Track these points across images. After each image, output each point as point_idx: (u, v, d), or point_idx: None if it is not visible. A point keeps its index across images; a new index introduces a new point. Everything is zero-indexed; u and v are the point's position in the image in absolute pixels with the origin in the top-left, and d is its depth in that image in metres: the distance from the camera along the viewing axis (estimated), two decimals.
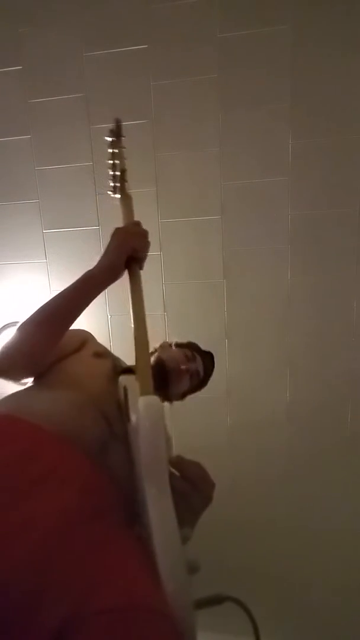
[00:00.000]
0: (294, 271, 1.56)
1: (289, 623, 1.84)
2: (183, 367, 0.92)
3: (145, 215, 1.52)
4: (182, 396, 1.01)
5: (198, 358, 1.02)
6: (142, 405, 0.50)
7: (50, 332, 0.70)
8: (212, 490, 0.55)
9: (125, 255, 0.75)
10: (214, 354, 1.12)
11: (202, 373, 1.03)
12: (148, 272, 1.44)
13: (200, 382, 1.04)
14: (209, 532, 1.62)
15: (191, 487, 0.51)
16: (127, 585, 0.41)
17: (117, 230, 0.78)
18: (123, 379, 0.60)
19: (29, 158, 1.61)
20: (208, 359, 1.08)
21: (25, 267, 1.71)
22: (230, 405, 1.70)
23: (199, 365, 1.00)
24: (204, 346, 1.11)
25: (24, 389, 0.70)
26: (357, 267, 1.52)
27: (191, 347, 1.06)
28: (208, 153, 1.52)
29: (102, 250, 0.76)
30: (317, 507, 1.72)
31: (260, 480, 1.73)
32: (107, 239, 0.77)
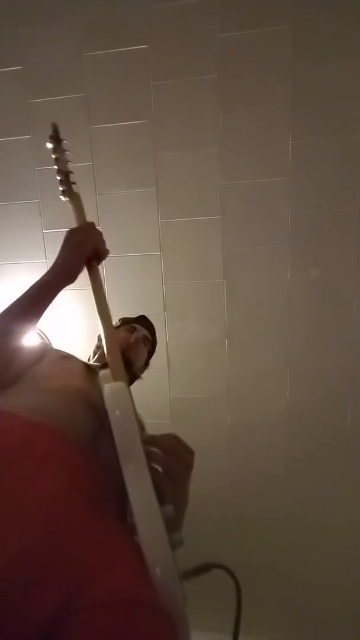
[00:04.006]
0: (294, 271, 1.56)
1: (288, 621, 1.85)
2: (132, 340, 1.03)
3: (145, 215, 1.54)
4: (146, 364, 1.12)
5: (137, 326, 1.11)
6: (107, 391, 0.53)
7: (2, 344, 0.67)
8: (191, 457, 0.55)
9: (86, 256, 0.74)
10: (155, 325, 1.23)
11: (149, 335, 1.15)
12: (148, 272, 1.45)
13: (152, 342, 1.17)
14: (208, 531, 1.62)
15: (169, 458, 0.52)
16: (124, 578, 0.40)
17: (74, 231, 0.76)
18: (103, 373, 0.61)
19: (29, 158, 1.61)
20: (143, 320, 1.20)
21: (25, 267, 1.71)
22: (230, 405, 1.70)
23: (141, 330, 1.11)
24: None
25: (3, 394, 0.68)
26: (357, 267, 1.52)
27: (125, 321, 1.17)
28: (208, 153, 1.52)
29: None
30: (317, 506, 1.72)
31: (260, 480, 1.73)
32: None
